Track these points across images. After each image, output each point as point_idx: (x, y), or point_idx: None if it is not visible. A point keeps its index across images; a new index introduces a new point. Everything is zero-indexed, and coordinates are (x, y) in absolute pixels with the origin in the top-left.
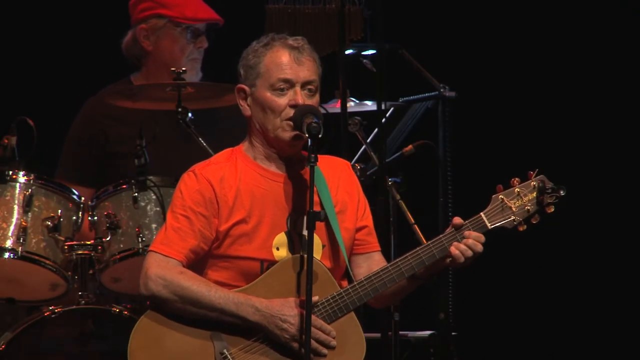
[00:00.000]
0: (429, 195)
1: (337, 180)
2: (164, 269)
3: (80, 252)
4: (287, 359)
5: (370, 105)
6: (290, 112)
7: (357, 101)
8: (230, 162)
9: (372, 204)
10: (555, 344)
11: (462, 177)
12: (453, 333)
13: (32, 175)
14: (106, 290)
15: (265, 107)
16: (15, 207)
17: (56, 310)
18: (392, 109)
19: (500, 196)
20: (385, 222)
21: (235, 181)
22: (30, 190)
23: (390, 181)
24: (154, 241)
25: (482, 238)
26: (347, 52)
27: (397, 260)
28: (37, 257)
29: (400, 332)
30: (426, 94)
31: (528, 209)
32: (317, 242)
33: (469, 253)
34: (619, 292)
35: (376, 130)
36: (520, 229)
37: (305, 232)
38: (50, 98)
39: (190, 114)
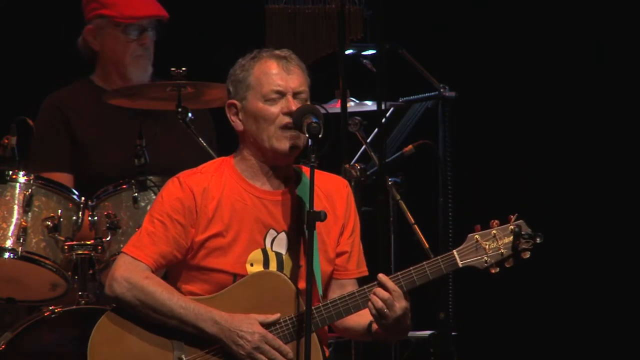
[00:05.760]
0: (429, 195)
1: (327, 203)
2: (131, 272)
3: (80, 252)
4: None
5: (370, 105)
6: (284, 120)
7: (357, 101)
8: (217, 173)
9: (372, 204)
10: (556, 343)
11: (462, 177)
12: (453, 333)
13: (32, 175)
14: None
15: (258, 118)
16: (15, 207)
17: (56, 310)
18: (392, 109)
19: (475, 236)
20: (385, 222)
21: (218, 193)
22: (30, 190)
23: (390, 181)
24: (127, 243)
25: (388, 290)
26: (347, 52)
27: (355, 291)
28: (37, 257)
29: None
30: (426, 94)
31: (502, 252)
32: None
33: (379, 304)
34: (619, 291)
35: (376, 130)
36: (492, 271)
37: (281, 250)
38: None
39: (190, 114)
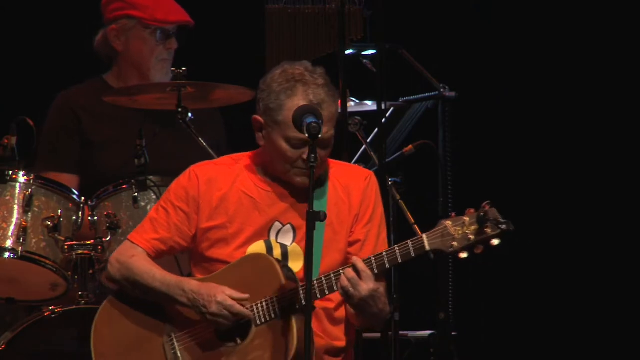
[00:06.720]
0: (429, 195)
1: (343, 194)
2: (122, 254)
3: (80, 252)
4: (224, 344)
5: (370, 105)
6: (301, 164)
7: (357, 101)
8: (232, 166)
9: None
10: (556, 343)
11: (462, 177)
12: (453, 333)
13: (32, 175)
14: (106, 290)
15: (277, 153)
16: (15, 207)
17: (56, 310)
18: (392, 109)
19: (446, 222)
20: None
21: (227, 185)
22: (30, 190)
23: (390, 181)
24: (133, 230)
25: (356, 270)
26: (347, 52)
27: (332, 272)
28: (37, 257)
29: (400, 332)
30: (426, 94)
31: (470, 238)
32: (298, 251)
33: (345, 283)
34: (619, 291)
35: (376, 130)
36: (461, 255)
37: (286, 242)
38: (50, 98)
39: (190, 114)
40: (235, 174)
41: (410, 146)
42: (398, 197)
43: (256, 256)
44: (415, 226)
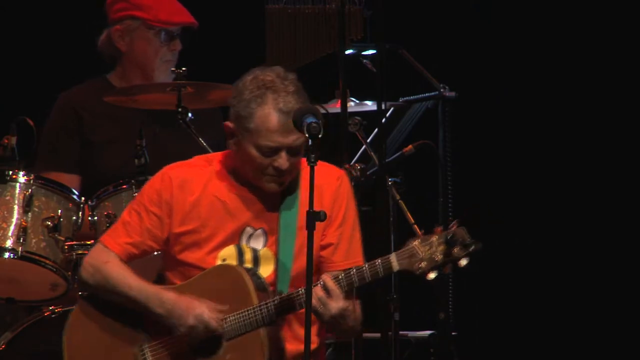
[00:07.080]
0: (429, 195)
1: (314, 195)
2: (95, 258)
3: (80, 252)
4: (196, 357)
5: (370, 105)
6: (272, 171)
7: (357, 101)
8: (205, 168)
9: (372, 204)
10: (556, 343)
11: (462, 177)
12: (453, 333)
13: (32, 175)
14: None
15: (247, 160)
16: (15, 207)
17: (56, 310)
18: (392, 109)
19: (414, 242)
20: (385, 222)
21: (200, 188)
22: (30, 190)
23: (390, 181)
24: (105, 232)
25: (326, 289)
26: (347, 52)
27: (300, 289)
28: (37, 257)
29: (400, 332)
30: (426, 94)
31: (437, 259)
32: (269, 255)
33: (314, 302)
34: (619, 292)
35: (376, 130)
36: (429, 276)
37: (257, 246)
38: (50, 98)
39: (190, 114)
40: (207, 177)
41: (410, 146)
42: (398, 197)
43: (225, 267)
44: (415, 226)
